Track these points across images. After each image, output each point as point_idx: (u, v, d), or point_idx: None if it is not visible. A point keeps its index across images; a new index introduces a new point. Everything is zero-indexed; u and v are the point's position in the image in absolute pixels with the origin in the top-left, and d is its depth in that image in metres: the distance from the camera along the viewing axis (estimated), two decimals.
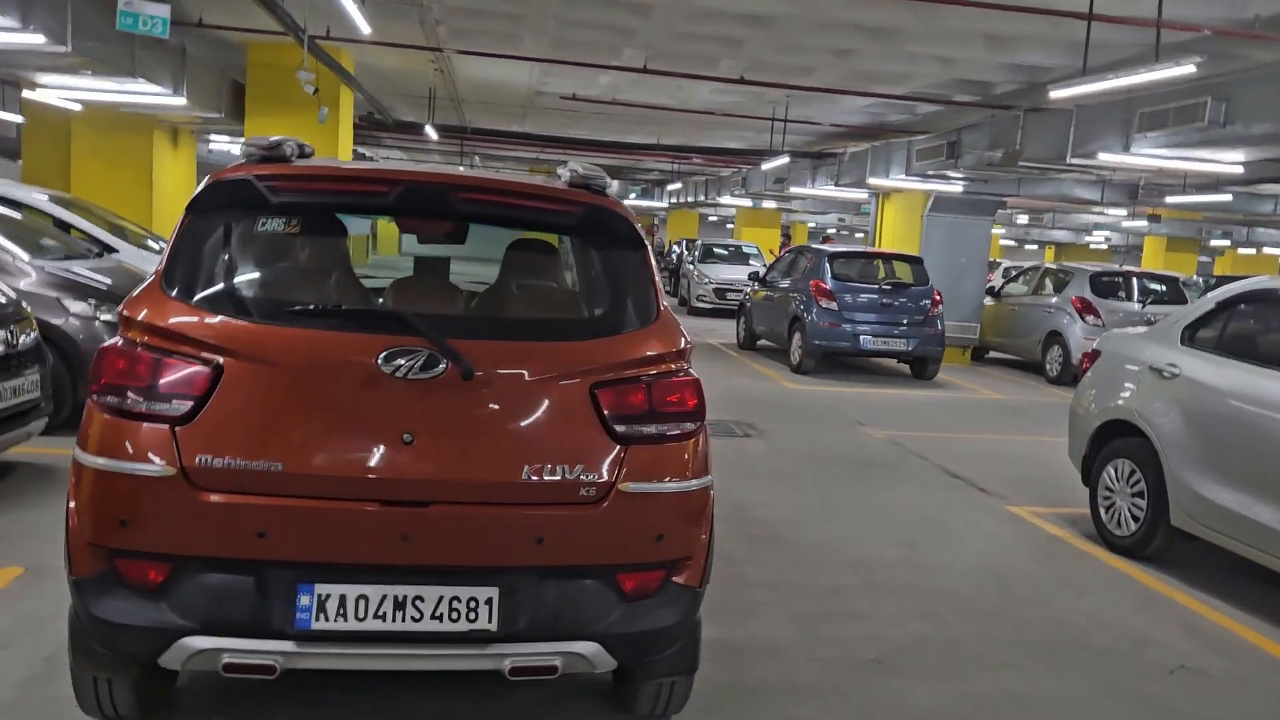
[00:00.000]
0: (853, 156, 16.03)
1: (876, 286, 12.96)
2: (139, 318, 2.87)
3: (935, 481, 7.52)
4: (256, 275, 3.17)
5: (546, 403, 2.94)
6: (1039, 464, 8.18)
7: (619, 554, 2.99)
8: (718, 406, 10.15)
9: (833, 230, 38.88)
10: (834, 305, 12.63)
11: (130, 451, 2.75)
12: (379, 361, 2.78)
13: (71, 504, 2.83)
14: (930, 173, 13.28)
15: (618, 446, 2.96)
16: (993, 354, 16.41)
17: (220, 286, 2.97)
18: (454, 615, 2.83)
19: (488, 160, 28.03)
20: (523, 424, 2.93)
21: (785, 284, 13.85)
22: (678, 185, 28.67)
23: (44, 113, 13.00)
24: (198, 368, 2.78)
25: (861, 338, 12.63)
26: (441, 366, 2.82)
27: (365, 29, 6.92)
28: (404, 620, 2.80)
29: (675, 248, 28.17)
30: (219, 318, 2.85)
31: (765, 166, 16.93)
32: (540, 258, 3.50)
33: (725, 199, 24.31)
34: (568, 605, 2.92)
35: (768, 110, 13.93)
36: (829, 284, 12.75)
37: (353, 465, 2.80)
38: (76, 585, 2.81)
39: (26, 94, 9.94)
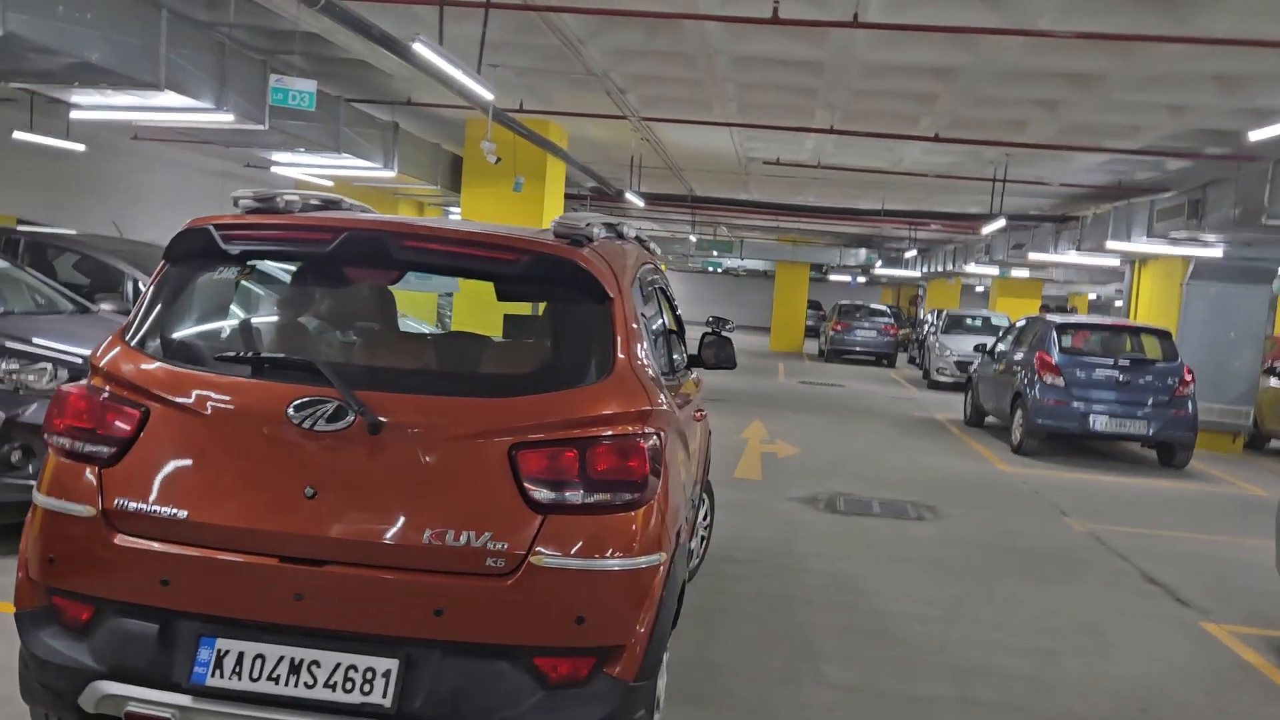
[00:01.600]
0: (1095, 219, 14.60)
1: (1113, 362, 11.59)
2: (96, 362, 2.97)
3: (1123, 585, 6.47)
4: (201, 323, 3.21)
5: (457, 462, 2.74)
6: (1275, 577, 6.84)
7: (532, 635, 2.71)
8: (906, 486, 9.47)
9: (1119, 303, 35.69)
10: (1060, 381, 11.43)
11: (64, 491, 2.83)
12: (289, 412, 2.70)
13: (23, 541, 2.95)
14: (1174, 234, 11.78)
15: (534, 515, 2.70)
16: (1276, 443, 14.18)
17: (165, 333, 3.03)
18: (348, 685, 2.66)
19: (735, 230, 28.17)
20: (429, 484, 2.75)
21: (1012, 357, 12.73)
22: (913, 253, 27.48)
23: (307, 187, 14.62)
24: (127, 410, 2.83)
25: (1092, 418, 11.31)
26: (349, 419, 2.70)
27: (487, 95, 7.24)
28: (297, 685, 2.67)
29: (928, 318, 26.98)
30: (155, 364, 2.90)
31: (985, 230, 15.79)
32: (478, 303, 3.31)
33: (970, 267, 22.96)
34: (473, 687, 2.68)
35: (989, 170, 13.00)
36: (1055, 358, 11.57)
37: (253, 517, 2.74)
38: (17, 619, 2.91)
39: (275, 169, 11.23)
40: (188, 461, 2.80)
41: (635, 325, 3.12)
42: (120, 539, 2.76)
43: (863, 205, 18.13)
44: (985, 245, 21.01)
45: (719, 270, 41.55)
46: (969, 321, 22.09)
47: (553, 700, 2.71)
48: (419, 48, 5.85)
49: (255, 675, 2.68)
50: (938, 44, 7.44)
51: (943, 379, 20.14)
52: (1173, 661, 5.10)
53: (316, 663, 2.68)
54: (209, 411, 2.81)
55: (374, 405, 2.72)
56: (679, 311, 4.96)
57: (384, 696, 2.64)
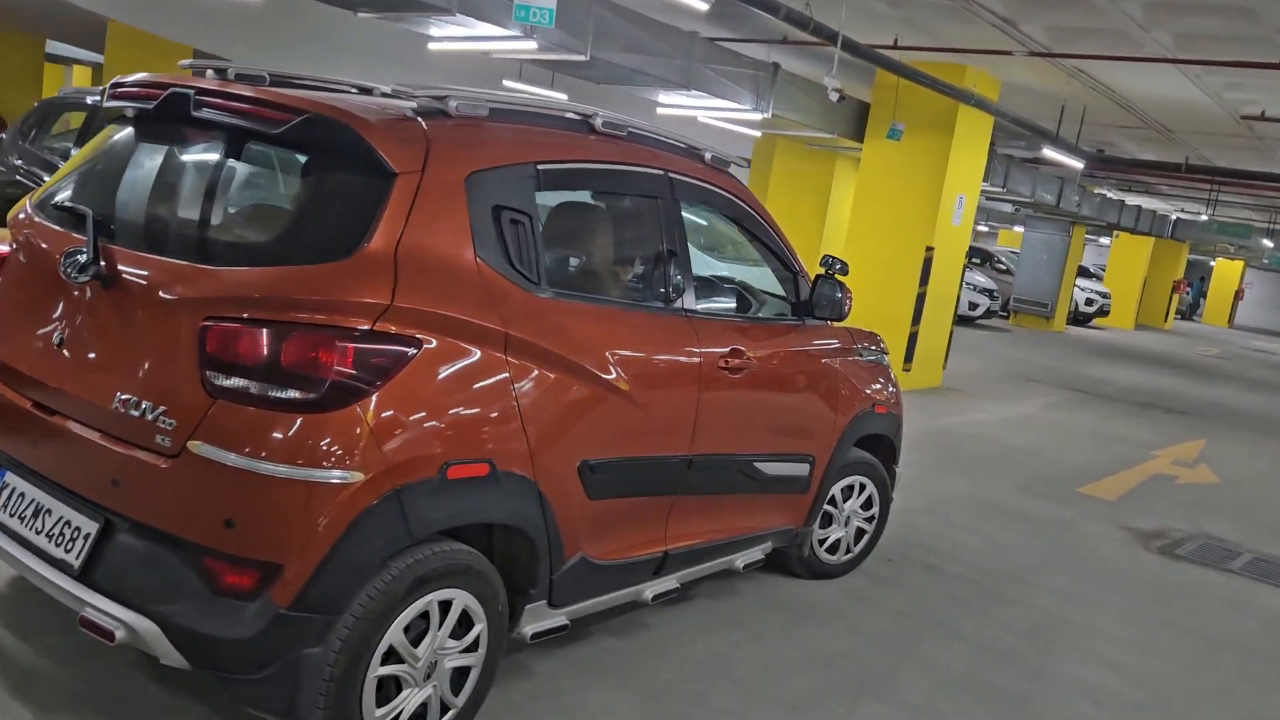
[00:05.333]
0: None
1: None
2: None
3: None
4: (74, 178, 3.14)
5: (157, 328, 2.58)
6: None
7: (185, 527, 2.50)
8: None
9: None
10: None
11: None
12: (61, 259, 2.74)
13: None
14: None
15: (207, 398, 2.44)
16: None
17: (53, 187, 3.13)
18: (59, 539, 2.67)
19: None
20: (131, 346, 2.63)
21: None
22: None
23: (761, 143, 14.81)
24: None
25: None
26: (90, 272, 2.66)
27: (701, 6, 6.31)
28: (31, 529, 2.75)
29: None
30: (24, 215, 3.10)
31: None
32: (268, 172, 2.93)
33: None
34: (141, 569, 2.54)
35: None
36: None
37: (23, 360, 2.88)
38: None
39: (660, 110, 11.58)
40: (6, 303, 2.99)
41: (438, 214, 2.66)
42: None
43: None
44: None
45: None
46: None
47: (210, 607, 2.45)
48: None
49: (13, 511, 2.81)
50: None
51: None
52: None
53: (50, 511, 2.72)
54: (23, 259, 2.97)
55: (112, 259, 2.65)
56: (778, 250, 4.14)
57: (76, 557, 2.60)
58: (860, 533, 4.87)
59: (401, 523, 2.55)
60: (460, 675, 2.88)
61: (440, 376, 2.62)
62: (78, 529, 2.63)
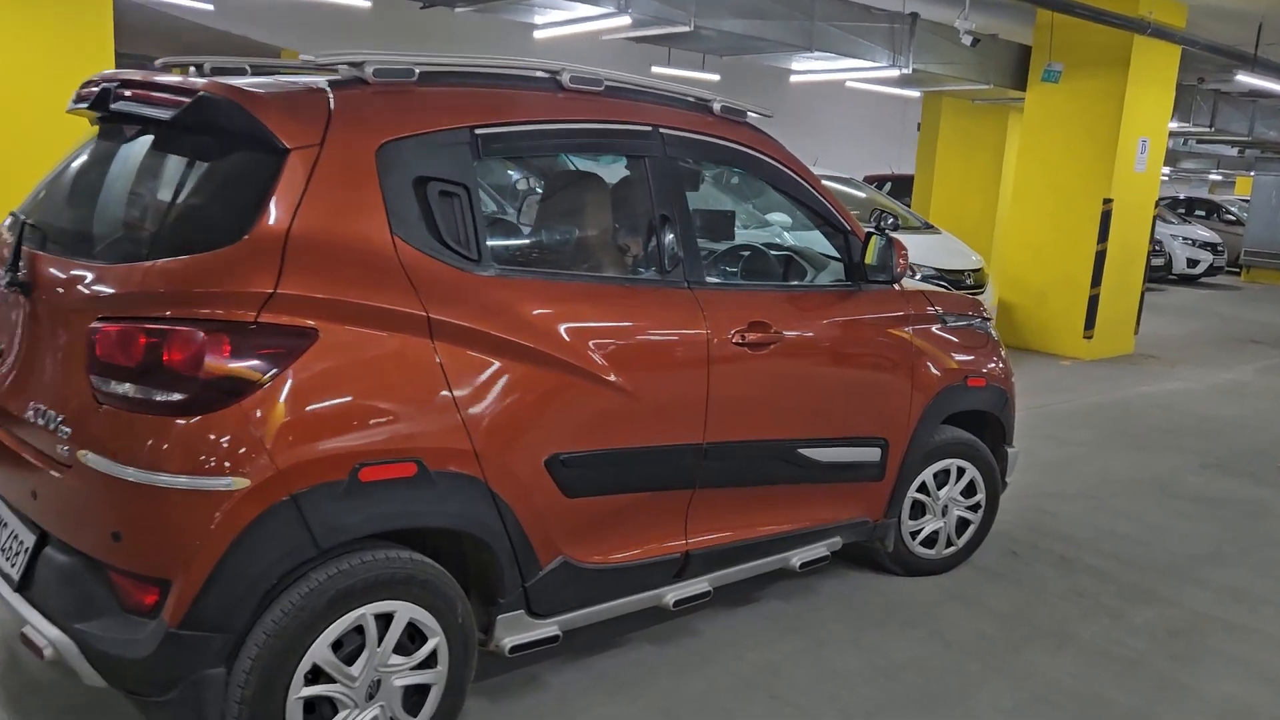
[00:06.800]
0: None
1: None
2: None
3: None
4: (40, 186, 3.02)
5: (61, 332, 2.49)
6: None
7: (82, 540, 2.38)
8: None
9: None
10: None
11: None
12: (3, 270, 2.71)
13: None
14: None
15: (96, 404, 2.32)
16: None
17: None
18: (8, 551, 2.64)
19: None
20: (44, 353, 2.54)
21: None
22: None
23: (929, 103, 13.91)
24: None
25: None
26: (6, 280, 2.62)
27: None
28: None
29: None
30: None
31: None
32: (167, 161, 2.71)
33: None
34: (63, 584, 2.45)
35: None
36: None
37: None
38: None
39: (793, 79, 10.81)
40: None
41: (342, 190, 2.43)
42: None
43: None
44: None
45: None
46: None
47: (119, 625, 2.33)
48: None
49: None
50: None
51: None
52: None
53: (4, 522, 2.69)
54: None
55: (31, 265, 2.58)
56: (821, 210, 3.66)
57: (17, 570, 2.55)
58: (963, 523, 4.28)
59: (303, 532, 2.33)
60: (417, 694, 2.65)
61: (344, 369, 2.38)
62: (21, 542, 2.59)
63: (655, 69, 14.12)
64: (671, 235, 3.12)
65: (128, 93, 2.62)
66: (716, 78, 14.34)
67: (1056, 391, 8.30)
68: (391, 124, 2.57)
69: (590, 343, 2.83)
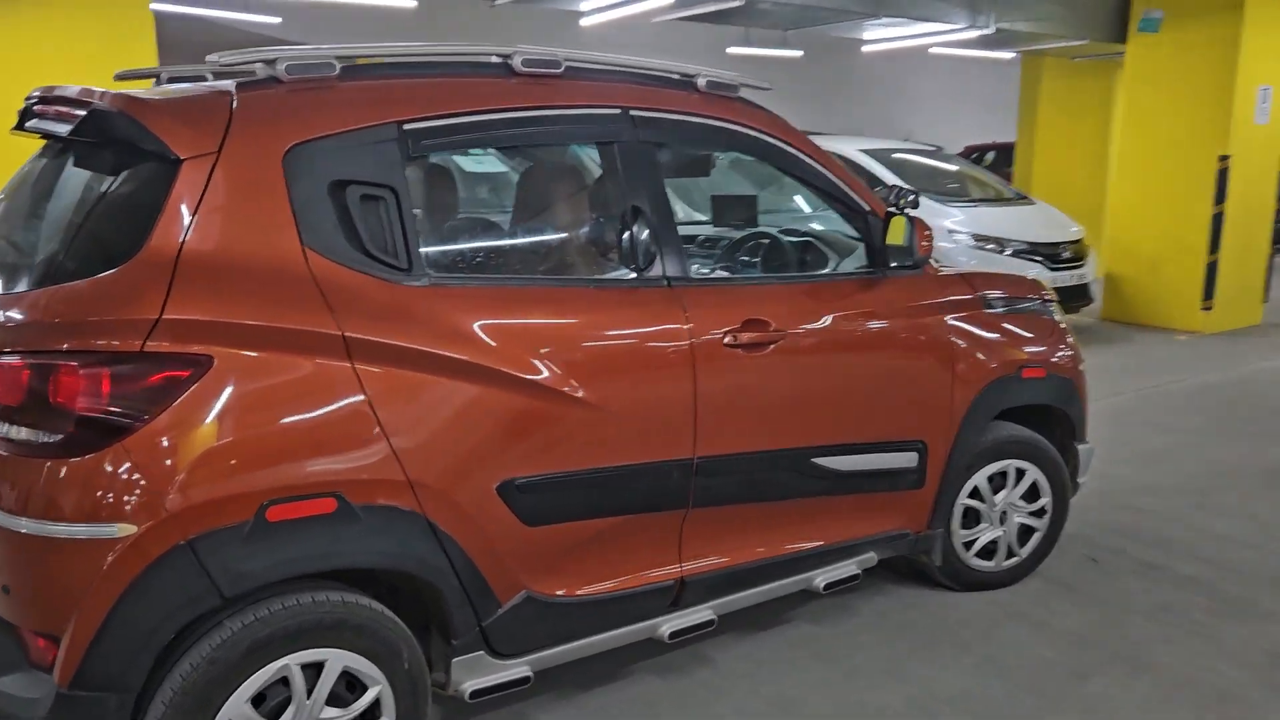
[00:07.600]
0: None
1: None
2: None
3: None
4: None
5: None
6: None
7: None
8: None
9: None
10: None
11: None
12: None
13: None
14: None
15: None
16: None
17: None
18: None
19: None
20: None
21: None
22: None
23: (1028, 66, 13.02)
24: None
25: None
26: None
27: None
28: None
29: None
30: None
31: None
32: (71, 179, 2.50)
33: None
34: None
35: None
36: None
37: None
38: None
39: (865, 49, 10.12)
40: None
41: (242, 200, 2.21)
42: None
43: None
44: None
45: None
46: None
47: (26, 680, 2.17)
48: None
49: None
50: None
51: None
52: None
53: None
54: None
55: None
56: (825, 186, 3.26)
57: None
58: (1027, 530, 3.81)
59: (202, 579, 2.11)
60: None
61: (245, 399, 2.15)
62: None
63: (731, 50, 13.68)
64: (645, 229, 2.79)
65: (39, 108, 2.46)
66: (799, 54, 13.79)
67: (1165, 370, 7.58)
68: (302, 124, 2.33)
69: (543, 353, 2.54)
